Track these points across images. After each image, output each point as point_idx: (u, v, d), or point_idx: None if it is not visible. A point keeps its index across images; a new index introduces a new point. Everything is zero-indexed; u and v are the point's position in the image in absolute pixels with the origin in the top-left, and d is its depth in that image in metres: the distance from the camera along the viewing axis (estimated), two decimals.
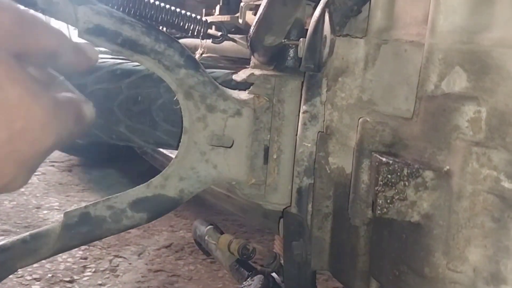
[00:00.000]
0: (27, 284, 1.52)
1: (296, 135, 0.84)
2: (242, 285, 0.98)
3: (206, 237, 1.16)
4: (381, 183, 0.61)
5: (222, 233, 1.17)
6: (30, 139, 0.41)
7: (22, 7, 0.45)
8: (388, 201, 0.60)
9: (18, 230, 1.92)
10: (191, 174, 0.90)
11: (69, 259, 1.68)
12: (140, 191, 0.92)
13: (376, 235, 0.69)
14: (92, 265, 1.67)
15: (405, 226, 0.62)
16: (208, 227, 1.17)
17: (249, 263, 1.04)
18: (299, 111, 0.83)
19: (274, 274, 0.98)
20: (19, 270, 1.52)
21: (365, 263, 0.72)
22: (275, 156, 0.88)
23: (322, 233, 0.81)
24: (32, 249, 0.93)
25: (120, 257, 1.75)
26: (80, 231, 0.92)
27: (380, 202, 0.61)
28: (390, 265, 0.66)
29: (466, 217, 0.57)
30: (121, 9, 0.92)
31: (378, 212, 0.61)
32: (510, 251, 0.54)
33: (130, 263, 1.71)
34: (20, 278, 1.55)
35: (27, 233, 0.94)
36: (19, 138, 0.41)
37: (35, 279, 1.55)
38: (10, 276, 1.51)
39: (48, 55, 0.48)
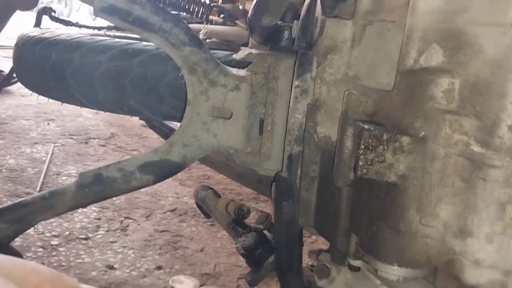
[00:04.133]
0: (47, 240, 1.52)
1: (288, 108, 0.83)
2: (237, 241, 0.97)
3: (206, 200, 1.16)
4: (363, 147, 0.60)
5: (220, 197, 1.17)
6: None
7: None
8: (369, 163, 0.60)
9: None
10: (194, 141, 0.90)
11: (84, 219, 1.68)
12: (148, 156, 0.91)
13: (357, 195, 0.69)
14: (105, 225, 1.67)
15: (383, 186, 0.62)
16: (208, 191, 1.17)
17: (244, 222, 1.04)
18: (292, 87, 0.82)
19: (265, 232, 0.98)
20: (39, 226, 1.53)
21: (346, 221, 0.72)
22: (269, 128, 0.88)
23: (309, 194, 0.80)
24: (50, 205, 0.92)
25: (130, 218, 1.75)
26: (93, 190, 0.91)
27: (361, 163, 0.60)
28: (369, 221, 0.66)
29: (438, 177, 0.57)
30: None
31: (359, 172, 0.61)
32: (477, 208, 0.54)
33: (138, 224, 1.71)
34: (40, 235, 1.55)
35: (46, 191, 0.93)
36: None
37: (54, 235, 1.55)
38: (32, 232, 1.53)
39: None
